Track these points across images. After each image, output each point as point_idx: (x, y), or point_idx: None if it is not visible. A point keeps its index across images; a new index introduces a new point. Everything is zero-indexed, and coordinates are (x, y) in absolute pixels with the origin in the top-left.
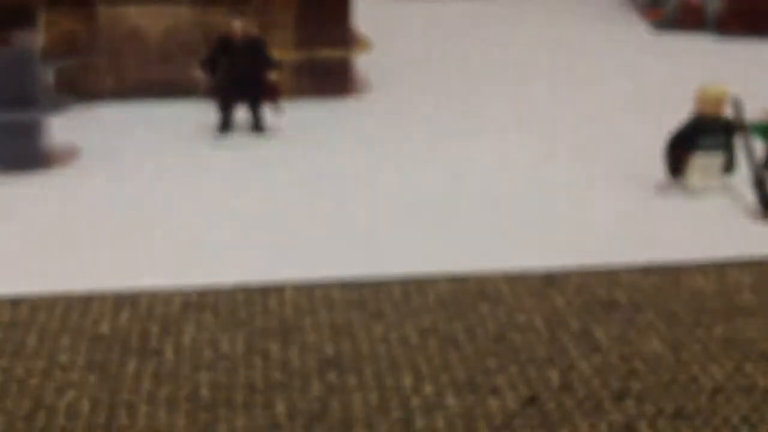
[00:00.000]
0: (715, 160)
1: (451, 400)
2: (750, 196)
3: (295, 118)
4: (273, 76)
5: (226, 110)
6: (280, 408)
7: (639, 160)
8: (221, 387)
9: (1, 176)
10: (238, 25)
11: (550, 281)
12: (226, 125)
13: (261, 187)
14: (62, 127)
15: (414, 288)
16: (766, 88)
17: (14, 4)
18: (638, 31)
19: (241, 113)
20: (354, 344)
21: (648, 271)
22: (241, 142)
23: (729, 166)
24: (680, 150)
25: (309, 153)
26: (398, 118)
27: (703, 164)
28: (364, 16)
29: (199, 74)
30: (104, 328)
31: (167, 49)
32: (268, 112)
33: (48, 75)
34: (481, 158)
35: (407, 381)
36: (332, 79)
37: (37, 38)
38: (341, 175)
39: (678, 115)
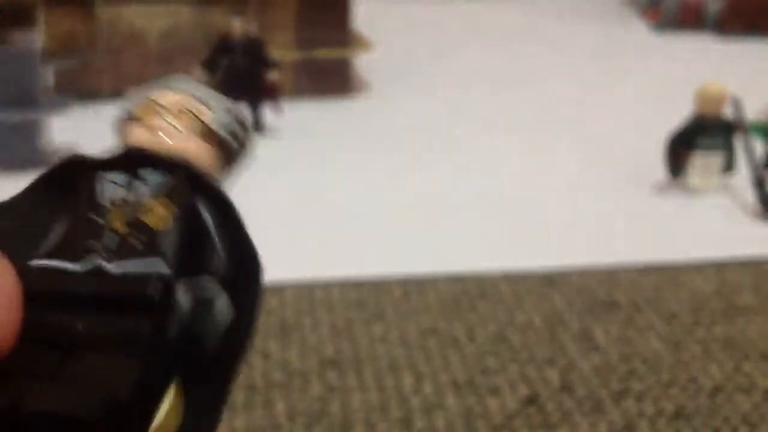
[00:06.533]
0: (715, 159)
1: (451, 400)
2: (750, 196)
3: (294, 118)
4: (273, 76)
5: None
6: (280, 408)
7: (639, 159)
8: None
9: (1, 176)
10: (238, 25)
11: (550, 281)
12: None
13: (260, 186)
14: (62, 127)
15: (414, 288)
16: (766, 88)
17: (14, 4)
18: (638, 31)
19: None
20: (354, 344)
21: (647, 271)
22: None
23: (729, 166)
24: (680, 150)
25: (308, 153)
26: (398, 118)
27: (703, 164)
28: (364, 16)
29: (199, 74)
30: None
31: (167, 49)
32: (267, 112)
33: (48, 75)
34: (480, 158)
35: (407, 381)
36: (332, 79)
37: (37, 38)
38: (340, 175)
39: (678, 115)
